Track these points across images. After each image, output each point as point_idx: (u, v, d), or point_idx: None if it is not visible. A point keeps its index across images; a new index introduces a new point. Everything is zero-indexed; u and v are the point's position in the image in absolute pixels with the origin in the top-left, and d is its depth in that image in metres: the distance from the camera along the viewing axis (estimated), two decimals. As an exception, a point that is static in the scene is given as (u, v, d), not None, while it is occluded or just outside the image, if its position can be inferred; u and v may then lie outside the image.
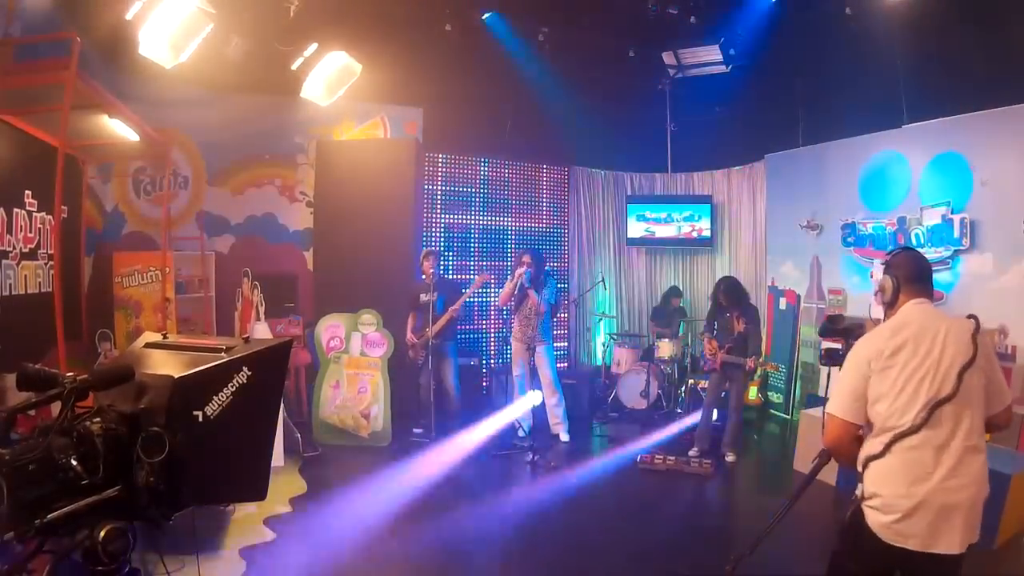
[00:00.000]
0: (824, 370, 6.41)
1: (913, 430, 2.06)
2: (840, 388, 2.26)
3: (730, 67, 7.47)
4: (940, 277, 5.71)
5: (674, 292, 8.20)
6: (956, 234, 5.58)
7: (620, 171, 9.07)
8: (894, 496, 2.07)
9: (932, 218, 5.81)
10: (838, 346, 2.54)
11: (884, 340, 2.18)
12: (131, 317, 6.02)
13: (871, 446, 2.16)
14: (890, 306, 2.32)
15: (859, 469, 2.20)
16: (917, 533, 2.04)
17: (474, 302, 7.74)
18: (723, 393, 6.03)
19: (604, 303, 8.76)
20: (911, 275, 2.30)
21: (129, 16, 4.99)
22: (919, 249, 5.69)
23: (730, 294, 5.87)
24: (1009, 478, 3.91)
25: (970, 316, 2.17)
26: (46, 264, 4.66)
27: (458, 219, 8.03)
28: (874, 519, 2.12)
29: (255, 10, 5.77)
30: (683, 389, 7.52)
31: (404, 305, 6.34)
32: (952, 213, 5.62)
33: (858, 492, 2.19)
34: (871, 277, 6.37)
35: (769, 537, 2.46)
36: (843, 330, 2.48)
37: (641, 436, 6.64)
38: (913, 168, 6.05)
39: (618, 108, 8.39)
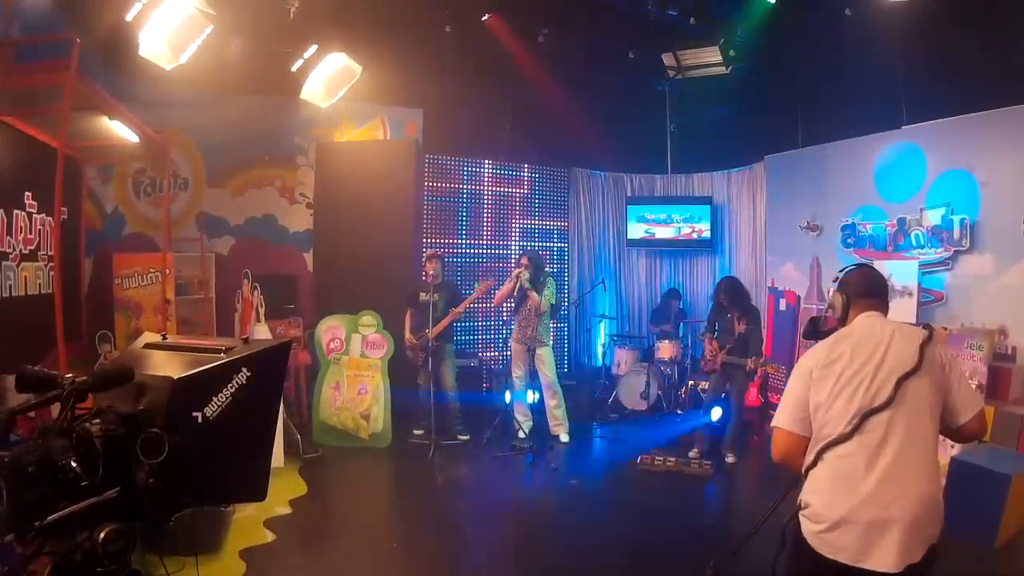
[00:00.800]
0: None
1: (844, 438, 2.02)
2: (785, 400, 2.23)
3: (730, 68, 7.47)
4: (940, 278, 5.71)
5: (673, 294, 8.20)
6: (956, 235, 5.57)
7: (620, 172, 9.06)
8: (821, 505, 2.03)
9: (932, 219, 5.80)
10: None
11: (826, 349, 2.18)
12: (131, 318, 6.01)
13: (808, 456, 2.13)
14: (841, 322, 2.32)
15: (802, 478, 2.17)
16: (846, 547, 1.97)
17: (478, 304, 7.73)
18: (723, 394, 6.03)
19: (604, 304, 8.76)
20: (862, 290, 2.30)
21: (129, 17, 5.00)
22: (920, 250, 5.81)
23: (731, 294, 5.87)
24: (1009, 478, 3.89)
25: (925, 326, 2.15)
26: (46, 265, 4.67)
27: (457, 220, 8.03)
28: (806, 528, 2.08)
29: (255, 11, 5.78)
30: (683, 390, 7.51)
31: (403, 303, 6.33)
32: (952, 214, 5.62)
33: (798, 501, 2.15)
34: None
35: (760, 539, 2.45)
36: (827, 332, 2.48)
37: (641, 437, 6.63)
38: (928, 161, 5.99)
39: (618, 109, 8.39)
